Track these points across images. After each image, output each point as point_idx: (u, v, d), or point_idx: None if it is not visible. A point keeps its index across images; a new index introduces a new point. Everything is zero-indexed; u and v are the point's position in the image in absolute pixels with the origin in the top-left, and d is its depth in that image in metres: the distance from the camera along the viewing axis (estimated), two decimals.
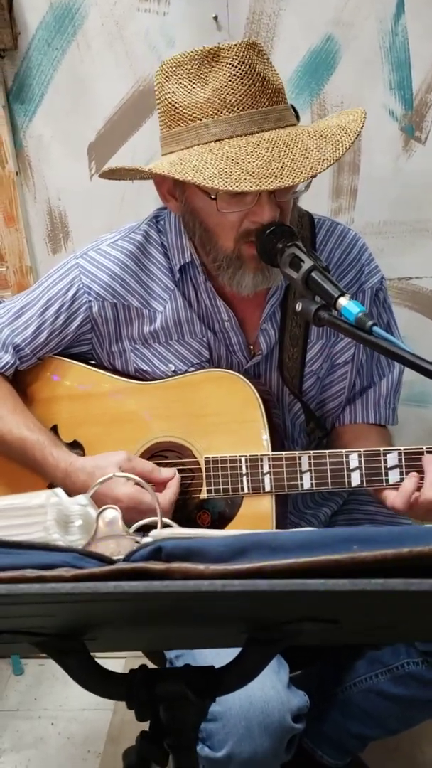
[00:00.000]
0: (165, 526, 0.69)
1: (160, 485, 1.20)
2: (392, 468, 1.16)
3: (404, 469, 1.15)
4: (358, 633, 0.85)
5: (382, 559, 0.50)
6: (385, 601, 0.53)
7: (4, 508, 0.61)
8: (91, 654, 0.76)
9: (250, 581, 0.47)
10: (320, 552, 0.51)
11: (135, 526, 0.67)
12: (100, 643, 0.80)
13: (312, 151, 1.09)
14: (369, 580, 0.47)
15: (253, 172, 1.06)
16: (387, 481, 1.16)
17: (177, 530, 0.62)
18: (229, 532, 0.59)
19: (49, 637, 0.73)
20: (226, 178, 1.07)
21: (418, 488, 1.14)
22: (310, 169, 1.08)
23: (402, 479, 1.15)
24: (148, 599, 0.49)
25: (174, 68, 1.15)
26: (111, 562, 0.55)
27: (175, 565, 0.49)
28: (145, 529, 0.72)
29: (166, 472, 1.21)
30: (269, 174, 1.06)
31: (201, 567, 0.50)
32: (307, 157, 1.08)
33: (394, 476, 1.16)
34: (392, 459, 1.16)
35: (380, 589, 0.46)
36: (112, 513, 0.61)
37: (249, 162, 1.07)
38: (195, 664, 1.09)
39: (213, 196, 1.13)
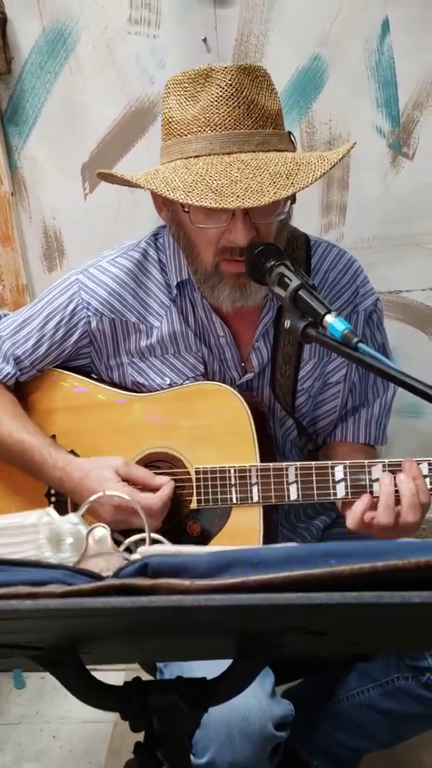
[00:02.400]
0: (155, 541, 0.72)
1: (154, 491, 1.23)
2: (376, 480, 1.18)
3: None
4: (345, 644, 0.87)
5: (358, 572, 0.53)
6: (361, 613, 0.56)
7: (0, 528, 0.64)
8: (91, 667, 0.78)
9: (232, 596, 0.50)
10: (299, 567, 0.53)
11: (125, 544, 0.69)
12: (94, 656, 0.82)
13: (281, 176, 1.11)
14: (344, 593, 0.49)
15: (217, 190, 1.09)
16: (372, 493, 1.18)
17: (163, 548, 0.65)
18: (213, 548, 0.61)
19: (45, 650, 0.75)
20: (189, 192, 1.10)
21: (374, 508, 1.15)
22: (274, 193, 1.09)
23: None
24: (135, 614, 0.52)
25: (174, 85, 1.19)
26: (100, 578, 0.57)
27: (161, 581, 0.52)
28: (131, 546, 0.75)
29: (161, 479, 1.24)
30: (231, 194, 1.09)
31: (186, 582, 0.52)
32: (274, 182, 1.10)
33: (378, 488, 1.18)
34: (376, 471, 1.18)
35: (354, 602, 0.49)
36: (102, 531, 0.63)
37: (215, 180, 1.10)
38: (181, 672, 1.11)
39: (186, 209, 1.17)
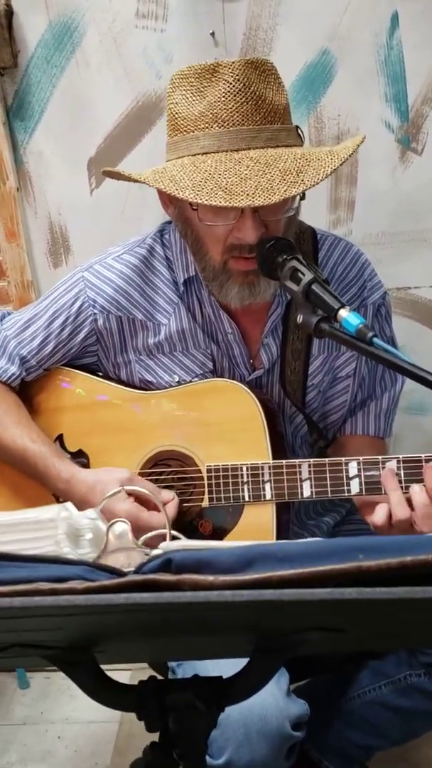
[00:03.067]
0: (173, 537, 0.71)
1: (157, 507, 1.21)
2: None
3: (403, 477, 1.16)
4: (363, 641, 0.86)
5: (386, 568, 0.51)
6: (390, 609, 0.54)
7: (17, 523, 0.63)
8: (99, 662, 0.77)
9: (258, 591, 0.48)
10: (327, 562, 0.52)
11: (144, 538, 0.68)
12: (108, 655, 0.81)
13: (291, 173, 1.10)
14: (374, 588, 0.48)
15: (226, 188, 1.08)
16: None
17: (186, 542, 0.63)
18: (236, 543, 0.60)
19: (59, 650, 0.74)
20: (198, 191, 1.09)
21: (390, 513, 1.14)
22: (285, 191, 1.08)
23: (402, 488, 1.15)
24: (159, 610, 0.50)
25: (180, 80, 1.18)
26: (122, 574, 0.56)
27: (185, 577, 0.50)
28: (154, 540, 0.73)
29: (165, 495, 1.22)
30: (241, 191, 1.07)
31: (210, 578, 0.51)
32: (284, 180, 1.09)
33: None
34: (391, 467, 1.17)
35: (385, 597, 0.47)
36: (122, 526, 0.62)
37: (225, 178, 1.09)
38: (194, 671, 1.10)
39: (194, 207, 1.16)
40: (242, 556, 0.53)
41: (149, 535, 0.70)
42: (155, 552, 0.61)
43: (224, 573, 0.52)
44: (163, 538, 0.72)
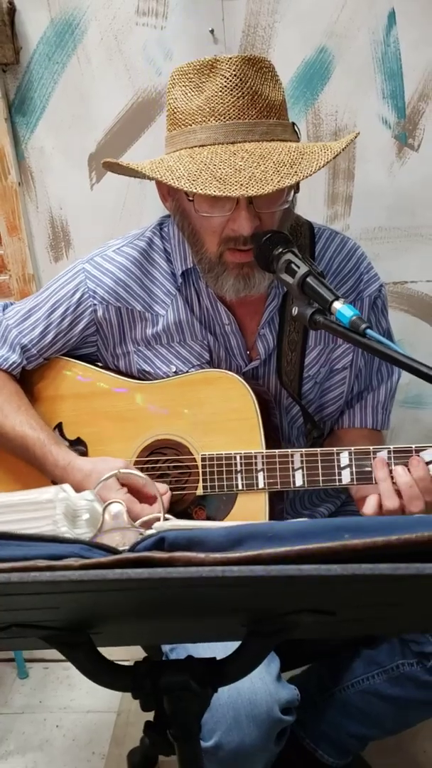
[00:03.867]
0: (165, 519, 0.72)
1: (151, 499, 1.23)
2: None
3: (394, 467, 1.18)
4: (353, 625, 0.87)
5: (372, 546, 0.53)
6: (376, 587, 0.56)
7: (16, 503, 0.64)
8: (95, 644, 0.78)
9: (248, 567, 0.50)
10: (314, 540, 0.54)
11: (139, 521, 0.70)
12: (104, 637, 0.83)
13: (285, 165, 1.12)
14: (359, 565, 0.50)
15: (221, 178, 1.10)
16: (375, 479, 1.19)
17: (178, 522, 0.65)
18: (227, 523, 0.62)
19: (57, 630, 0.76)
20: (193, 180, 1.11)
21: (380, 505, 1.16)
22: (278, 182, 1.10)
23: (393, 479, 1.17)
24: (152, 586, 0.52)
25: (180, 76, 1.20)
26: (117, 552, 0.58)
27: (178, 554, 0.52)
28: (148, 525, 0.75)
29: (160, 487, 1.24)
30: (235, 182, 1.10)
31: (201, 555, 0.53)
32: (278, 171, 1.11)
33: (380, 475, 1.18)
34: (382, 457, 1.18)
35: (369, 573, 0.49)
36: (118, 507, 0.64)
37: (220, 168, 1.11)
38: (187, 654, 1.12)
39: (190, 198, 1.18)
40: (232, 534, 0.55)
41: (144, 518, 0.72)
42: (149, 532, 0.63)
43: (215, 551, 0.54)
44: (157, 520, 0.74)
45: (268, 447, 1.24)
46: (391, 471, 1.16)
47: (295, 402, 1.37)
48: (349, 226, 1.79)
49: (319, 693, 1.48)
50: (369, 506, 1.15)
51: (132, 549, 0.57)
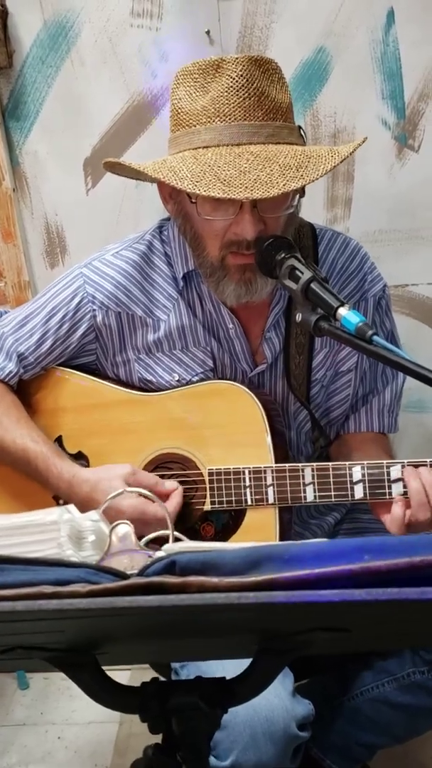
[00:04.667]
0: (176, 539, 0.70)
1: (163, 497, 1.21)
2: (395, 481, 1.16)
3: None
4: (368, 640, 0.85)
5: (395, 568, 0.51)
6: (398, 610, 0.54)
7: (19, 526, 0.62)
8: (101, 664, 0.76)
9: (265, 593, 0.48)
10: (333, 562, 0.51)
11: (146, 539, 0.67)
12: (110, 657, 0.80)
13: (291, 168, 1.10)
14: (384, 589, 0.48)
15: (225, 180, 1.07)
16: (390, 494, 1.16)
17: (189, 544, 0.63)
18: (241, 544, 0.60)
19: (62, 652, 0.73)
20: (197, 182, 1.08)
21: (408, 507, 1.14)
22: (284, 185, 1.08)
23: (405, 492, 1.15)
24: (164, 613, 0.50)
25: (184, 76, 1.18)
26: (125, 576, 0.55)
27: (191, 579, 0.50)
28: (156, 542, 0.73)
29: (170, 484, 1.22)
30: (240, 184, 1.07)
31: (215, 580, 0.50)
32: (284, 174, 1.09)
33: (397, 489, 1.16)
34: (395, 472, 1.16)
35: (395, 598, 0.47)
36: (125, 528, 0.62)
37: (224, 170, 1.08)
38: (199, 673, 1.09)
39: (193, 200, 1.15)
40: (248, 557, 0.53)
41: (152, 536, 0.69)
42: (158, 554, 0.60)
43: (229, 575, 0.51)
44: (165, 538, 0.71)
45: (275, 455, 1.21)
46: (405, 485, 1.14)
47: (302, 407, 1.34)
48: (349, 228, 1.77)
49: (329, 702, 1.46)
50: (396, 519, 1.13)
51: (141, 573, 0.54)
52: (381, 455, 1.32)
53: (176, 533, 0.72)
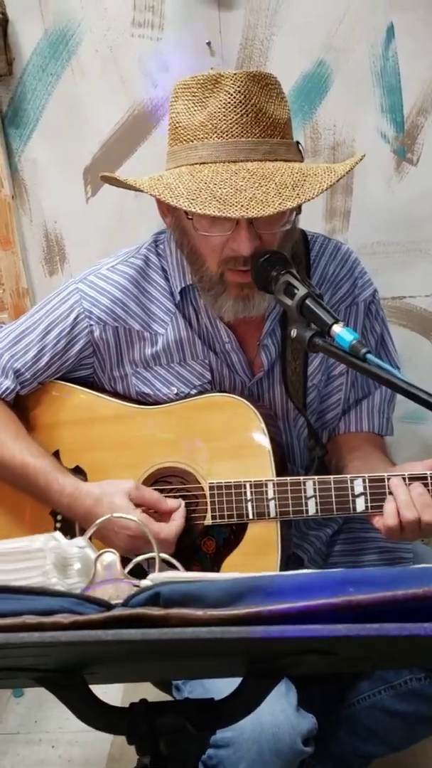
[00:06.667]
0: (168, 563, 0.70)
1: (165, 515, 1.21)
2: None
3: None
4: (357, 662, 0.85)
5: (378, 601, 0.51)
6: (383, 642, 0.54)
7: (3, 553, 0.62)
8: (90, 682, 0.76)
9: (248, 628, 0.48)
10: (316, 595, 0.52)
11: (132, 563, 0.67)
12: (100, 677, 0.80)
13: (287, 187, 1.10)
14: (365, 625, 0.48)
15: (221, 198, 1.08)
16: None
17: (174, 574, 0.63)
18: (226, 575, 0.60)
19: (49, 672, 0.73)
20: (192, 199, 1.09)
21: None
22: (279, 204, 1.08)
23: None
24: (147, 646, 0.50)
25: (183, 89, 1.18)
26: (109, 606, 0.55)
27: (174, 611, 0.50)
28: (144, 565, 0.72)
29: (172, 502, 1.22)
30: (236, 203, 1.08)
31: (199, 612, 0.50)
32: (280, 193, 1.09)
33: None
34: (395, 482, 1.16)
35: (376, 634, 0.47)
36: (110, 557, 0.62)
37: (220, 188, 1.09)
38: (202, 689, 1.09)
39: (189, 217, 1.16)
40: (231, 589, 0.53)
41: (139, 558, 0.69)
42: (144, 583, 0.60)
43: (213, 607, 0.51)
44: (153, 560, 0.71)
45: (275, 466, 1.21)
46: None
47: (300, 414, 1.35)
48: (347, 240, 1.77)
49: (325, 711, 1.45)
50: (388, 514, 1.13)
51: (125, 603, 0.54)
52: (375, 453, 1.34)
53: (165, 556, 0.72)
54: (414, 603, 0.52)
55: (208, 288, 1.22)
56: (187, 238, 1.21)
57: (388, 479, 1.16)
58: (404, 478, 1.15)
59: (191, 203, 1.08)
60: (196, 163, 1.14)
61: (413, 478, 1.15)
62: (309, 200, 1.11)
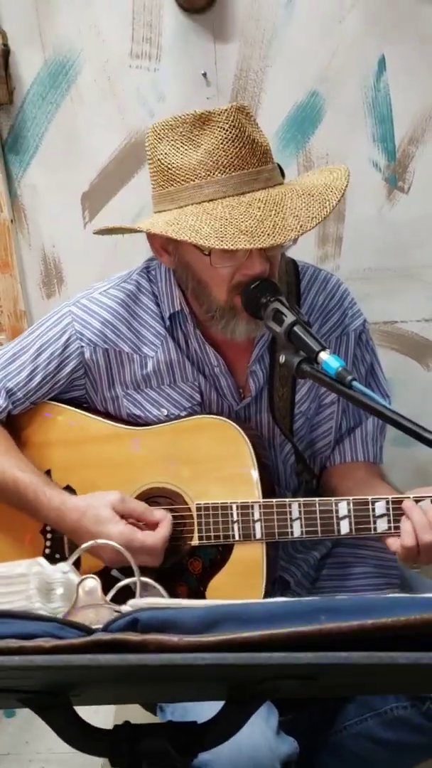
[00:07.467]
0: (144, 584, 0.72)
1: (152, 526, 1.22)
2: (380, 516, 1.18)
3: (392, 518, 1.17)
4: (338, 687, 0.87)
5: (347, 630, 0.53)
6: (354, 669, 0.56)
7: None
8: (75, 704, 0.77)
9: (220, 655, 0.50)
10: (289, 623, 0.53)
11: (114, 589, 0.69)
12: (84, 698, 0.81)
13: (301, 209, 1.16)
14: (333, 653, 0.49)
15: (247, 231, 1.12)
16: (375, 529, 1.18)
17: (153, 600, 0.65)
18: (202, 602, 0.62)
19: (34, 693, 0.75)
20: (221, 237, 1.12)
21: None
22: (300, 227, 1.14)
23: (389, 527, 1.17)
24: (126, 670, 0.52)
25: (166, 131, 1.20)
26: (90, 631, 0.57)
27: (150, 637, 0.52)
28: (126, 587, 0.74)
29: (158, 513, 1.23)
30: (262, 232, 1.12)
31: (175, 639, 0.52)
32: (296, 216, 1.15)
33: (382, 525, 1.18)
34: (380, 508, 1.18)
35: (343, 662, 0.49)
36: (92, 583, 0.63)
37: (242, 221, 1.13)
38: (184, 710, 1.10)
39: (207, 253, 1.19)
40: (206, 617, 0.55)
41: (121, 584, 0.71)
42: (124, 608, 0.62)
43: (189, 633, 0.53)
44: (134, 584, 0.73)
45: (262, 490, 1.23)
46: (389, 521, 1.16)
47: (287, 440, 1.36)
48: (339, 266, 1.80)
49: (312, 738, 1.45)
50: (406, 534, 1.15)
51: (105, 628, 0.56)
52: (372, 480, 1.35)
53: (145, 579, 0.74)
54: (383, 632, 0.54)
55: (220, 316, 1.25)
56: (192, 272, 1.24)
57: (373, 503, 1.17)
58: (387, 501, 1.17)
59: (221, 241, 1.12)
60: (204, 201, 1.17)
61: (396, 502, 1.17)
62: (323, 220, 1.17)
